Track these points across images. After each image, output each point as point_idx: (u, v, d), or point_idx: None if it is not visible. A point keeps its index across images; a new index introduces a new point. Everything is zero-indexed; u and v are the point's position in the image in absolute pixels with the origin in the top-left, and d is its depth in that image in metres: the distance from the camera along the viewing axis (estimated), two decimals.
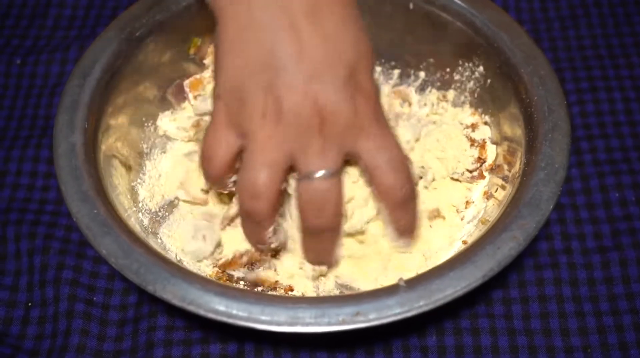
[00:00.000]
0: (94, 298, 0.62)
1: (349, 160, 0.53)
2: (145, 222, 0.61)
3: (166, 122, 0.66)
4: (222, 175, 0.53)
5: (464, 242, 0.60)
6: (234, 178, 0.54)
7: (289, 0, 0.48)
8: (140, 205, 0.62)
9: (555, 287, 0.62)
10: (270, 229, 0.54)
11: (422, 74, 0.70)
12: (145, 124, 0.66)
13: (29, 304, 0.62)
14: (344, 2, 0.50)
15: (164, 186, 0.65)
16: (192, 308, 0.49)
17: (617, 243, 0.64)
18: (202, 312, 0.48)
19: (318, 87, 0.48)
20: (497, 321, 0.61)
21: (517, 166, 0.59)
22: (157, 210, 0.63)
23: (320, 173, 0.49)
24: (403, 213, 0.54)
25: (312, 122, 0.48)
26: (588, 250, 0.64)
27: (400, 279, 0.50)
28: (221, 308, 0.49)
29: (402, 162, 0.52)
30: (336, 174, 0.50)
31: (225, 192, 0.58)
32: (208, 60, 0.67)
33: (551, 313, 0.61)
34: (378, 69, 0.71)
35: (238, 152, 0.52)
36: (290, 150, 0.49)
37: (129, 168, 0.63)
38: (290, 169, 0.51)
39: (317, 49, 0.48)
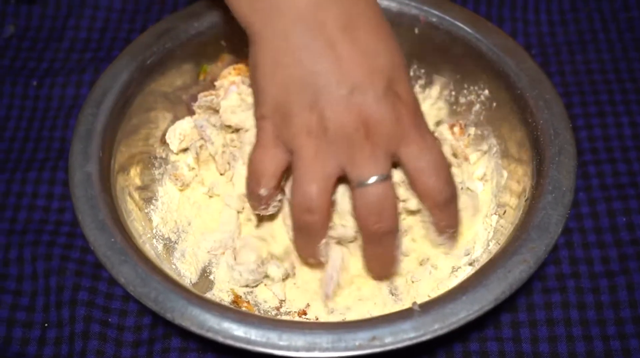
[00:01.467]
0: (109, 320, 0.63)
1: None
2: (160, 248, 0.62)
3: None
4: (272, 192, 0.56)
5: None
6: (279, 197, 0.56)
7: (323, 19, 0.51)
8: (154, 231, 0.63)
9: (563, 310, 0.63)
10: (323, 242, 0.56)
11: (431, 95, 0.71)
12: (157, 151, 0.67)
13: (46, 325, 0.63)
14: (375, 16, 0.53)
15: (176, 212, 0.66)
16: (210, 335, 0.50)
17: (625, 268, 0.65)
18: (220, 339, 0.49)
19: (360, 99, 0.51)
20: (505, 344, 0.62)
21: (525, 189, 0.60)
22: (170, 235, 0.64)
23: (373, 179, 0.52)
24: (444, 214, 0.56)
25: (358, 133, 0.51)
26: (596, 274, 0.65)
27: (415, 303, 0.51)
28: (239, 335, 0.49)
29: (443, 166, 0.54)
30: (388, 178, 0.53)
31: (268, 213, 0.59)
32: (219, 83, 0.68)
33: (559, 337, 0.62)
34: None
35: (286, 169, 0.54)
36: (339, 162, 0.52)
37: (142, 195, 0.64)
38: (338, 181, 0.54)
39: (355, 64, 0.51)
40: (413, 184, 0.55)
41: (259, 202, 0.57)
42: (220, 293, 0.62)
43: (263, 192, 0.56)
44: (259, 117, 0.55)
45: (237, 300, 0.61)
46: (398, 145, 0.52)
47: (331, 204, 0.55)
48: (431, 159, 0.53)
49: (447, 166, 0.55)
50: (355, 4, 0.53)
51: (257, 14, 0.53)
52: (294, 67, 0.52)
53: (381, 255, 0.56)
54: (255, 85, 0.55)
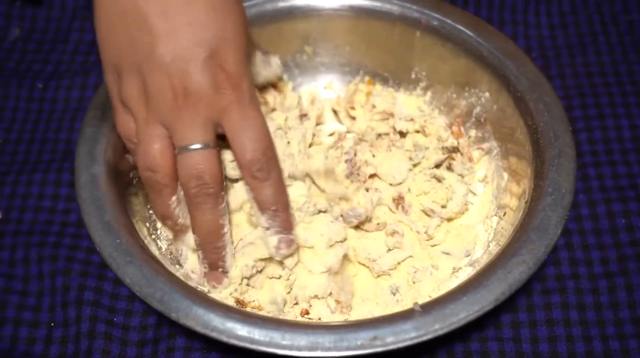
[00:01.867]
0: (115, 319, 0.64)
1: None
2: (164, 248, 0.63)
3: None
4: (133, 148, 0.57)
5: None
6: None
7: None
8: (158, 232, 0.64)
9: (563, 311, 0.64)
10: (173, 199, 0.56)
11: (427, 99, 0.72)
12: None
13: (52, 324, 0.64)
14: None
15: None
16: (214, 334, 0.50)
17: (624, 269, 0.65)
18: (224, 338, 0.50)
19: (180, 67, 0.52)
20: (506, 344, 0.62)
21: (525, 191, 0.61)
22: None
23: (193, 146, 0.53)
24: (261, 188, 0.56)
25: (176, 100, 0.53)
26: (595, 275, 0.66)
27: (416, 304, 0.52)
28: (243, 334, 0.50)
29: (260, 137, 0.55)
30: (209, 146, 0.54)
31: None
32: None
33: (559, 337, 0.62)
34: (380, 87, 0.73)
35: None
36: (165, 125, 0.54)
37: (146, 196, 0.65)
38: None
39: (180, 33, 0.52)
40: (234, 155, 0.55)
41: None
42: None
43: (130, 145, 0.57)
44: (105, 79, 0.57)
45: (242, 302, 0.62)
46: (219, 115, 0.54)
47: (175, 160, 0.55)
48: (249, 130, 0.54)
49: (266, 138, 0.55)
50: None
51: None
52: (123, 31, 0.53)
53: (203, 222, 0.56)
54: (98, 47, 0.56)
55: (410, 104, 0.72)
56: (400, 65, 0.72)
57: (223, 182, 0.55)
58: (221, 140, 0.55)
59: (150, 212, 0.64)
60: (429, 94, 0.71)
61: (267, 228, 0.57)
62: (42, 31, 0.84)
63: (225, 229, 0.57)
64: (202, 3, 0.53)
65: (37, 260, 0.67)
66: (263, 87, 0.66)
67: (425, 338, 0.50)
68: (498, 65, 0.65)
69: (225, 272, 0.59)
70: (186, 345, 0.62)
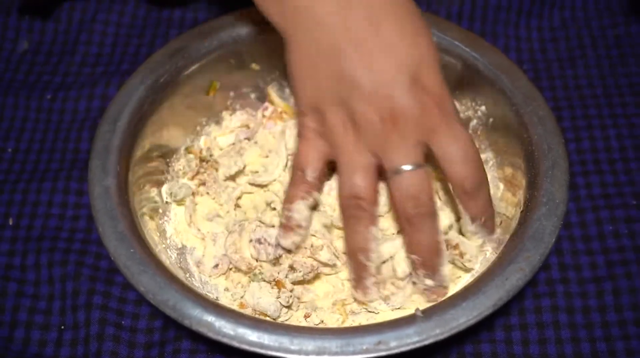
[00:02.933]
0: (123, 322, 0.66)
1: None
2: (174, 257, 0.65)
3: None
4: (315, 179, 0.60)
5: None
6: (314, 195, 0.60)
7: (347, 20, 0.55)
8: (168, 241, 0.66)
9: (553, 314, 0.66)
10: (373, 229, 0.59)
11: None
12: (169, 164, 0.70)
13: (62, 327, 0.66)
14: (398, 13, 0.56)
15: (186, 223, 0.69)
16: (226, 340, 0.53)
17: (611, 274, 0.68)
18: (235, 344, 0.53)
19: (385, 93, 0.55)
20: (498, 346, 0.65)
21: (520, 201, 0.63)
22: (184, 244, 0.67)
23: (405, 167, 0.56)
24: (474, 202, 0.59)
25: (385, 126, 0.55)
26: (584, 279, 0.68)
27: (417, 309, 0.55)
28: (254, 340, 0.53)
29: (471, 154, 0.57)
30: (421, 166, 0.56)
31: (301, 213, 0.61)
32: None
33: (549, 339, 0.65)
34: None
35: (329, 161, 0.59)
36: (374, 152, 0.56)
37: (156, 207, 0.67)
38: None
39: (379, 60, 0.55)
40: (444, 172, 0.58)
41: (299, 191, 0.60)
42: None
43: (309, 176, 0.60)
44: (299, 114, 0.60)
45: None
46: (427, 135, 0.56)
47: (378, 193, 0.58)
48: (459, 147, 0.56)
49: (476, 154, 0.57)
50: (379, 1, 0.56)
51: (285, 19, 0.58)
52: (324, 67, 0.56)
53: (423, 241, 0.58)
54: (292, 85, 0.59)
55: None
56: None
57: (434, 199, 0.58)
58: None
59: (161, 221, 0.66)
60: None
61: (475, 233, 0.61)
62: (50, 43, 0.86)
63: (442, 245, 0.59)
64: (392, 28, 0.55)
65: (48, 265, 0.69)
66: None
67: (427, 342, 0.53)
68: (494, 79, 0.67)
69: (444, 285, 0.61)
70: (192, 348, 0.65)
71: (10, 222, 0.72)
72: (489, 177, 0.68)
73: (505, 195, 0.67)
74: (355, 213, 0.58)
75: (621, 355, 0.64)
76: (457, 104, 0.71)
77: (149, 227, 0.63)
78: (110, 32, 0.86)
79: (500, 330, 0.66)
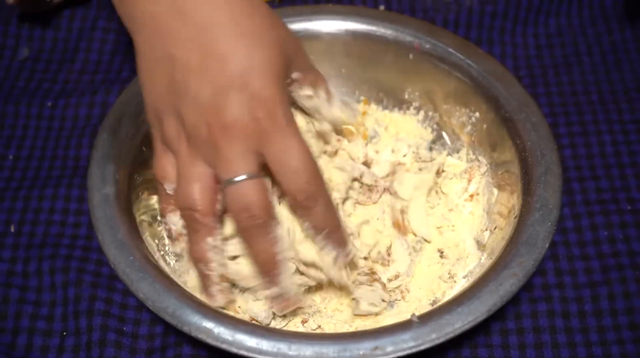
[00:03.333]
0: (124, 328, 0.66)
1: None
2: (172, 263, 0.66)
3: None
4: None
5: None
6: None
7: (179, 27, 0.54)
8: (166, 248, 0.67)
9: (549, 319, 0.67)
10: (209, 240, 0.58)
11: (420, 118, 0.75)
12: None
13: (64, 333, 0.67)
14: (234, 20, 0.54)
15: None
16: (225, 346, 0.54)
17: (606, 279, 0.69)
18: (234, 350, 0.54)
19: (214, 102, 0.53)
20: (495, 350, 0.65)
21: (514, 206, 0.64)
22: (180, 253, 0.67)
23: (238, 178, 0.54)
24: (311, 215, 0.57)
25: (214, 136, 0.54)
26: (579, 284, 0.69)
27: (413, 315, 0.55)
28: (252, 345, 0.54)
29: (303, 165, 0.55)
30: (254, 176, 0.55)
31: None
32: None
33: (545, 343, 0.66)
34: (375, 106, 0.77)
35: None
36: (207, 162, 0.55)
37: (154, 214, 0.68)
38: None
39: (210, 69, 0.54)
40: (277, 183, 0.56)
41: (166, 203, 0.61)
42: None
43: (170, 188, 0.59)
44: (149, 123, 0.59)
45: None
46: (260, 145, 0.54)
47: (215, 202, 0.57)
48: (291, 158, 0.54)
49: (309, 165, 0.55)
50: (216, 7, 0.55)
51: (133, 23, 0.57)
52: (160, 75, 0.55)
53: (259, 252, 0.57)
54: (142, 92, 0.59)
55: (404, 124, 0.76)
56: (394, 86, 0.75)
57: (272, 210, 0.56)
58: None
59: (159, 228, 0.67)
60: (421, 113, 0.75)
61: (322, 248, 0.59)
62: (50, 51, 0.86)
63: (279, 256, 0.58)
64: (228, 34, 0.54)
65: (50, 272, 0.69)
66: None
67: (423, 347, 0.54)
68: (488, 86, 0.68)
69: (285, 296, 0.60)
70: (192, 353, 0.65)
71: (12, 229, 0.73)
72: (483, 182, 0.69)
73: (499, 201, 0.67)
74: (191, 225, 0.58)
75: None
76: (452, 110, 0.72)
77: (148, 234, 0.64)
78: (110, 40, 0.87)
79: (497, 335, 0.66)
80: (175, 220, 0.61)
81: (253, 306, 0.63)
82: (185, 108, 0.54)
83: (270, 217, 0.56)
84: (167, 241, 0.67)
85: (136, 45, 0.57)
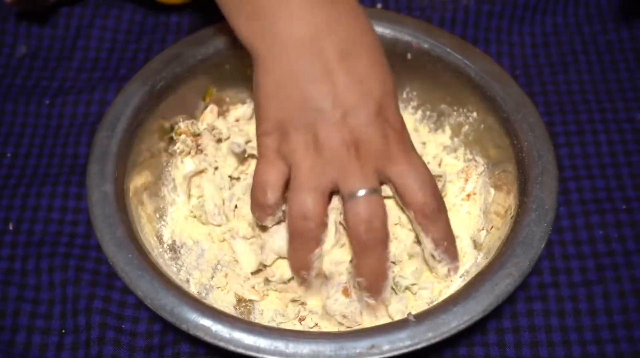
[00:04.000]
0: (123, 326, 0.67)
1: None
2: (171, 262, 0.66)
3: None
4: (276, 201, 0.60)
5: None
6: (283, 207, 0.61)
7: (321, 46, 0.57)
8: (165, 245, 0.67)
9: (544, 317, 0.68)
10: (317, 251, 0.60)
11: (418, 117, 0.76)
12: (166, 170, 0.71)
13: (63, 331, 0.67)
14: (371, 44, 0.59)
15: (183, 228, 0.70)
16: (222, 344, 0.54)
17: (601, 277, 0.69)
18: (232, 348, 0.54)
19: (351, 122, 0.57)
20: (491, 349, 0.66)
21: (510, 206, 0.64)
22: (179, 250, 0.68)
23: (362, 192, 0.57)
24: (433, 226, 0.60)
25: (349, 153, 0.57)
26: (574, 283, 0.69)
27: (410, 314, 0.56)
28: (250, 343, 0.54)
29: (427, 181, 0.59)
30: (377, 192, 0.58)
31: (271, 225, 0.63)
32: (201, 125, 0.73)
33: (540, 342, 0.66)
34: None
35: (287, 180, 0.59)
36: (332, 177, 0.57)
37: (153, 212, 0.68)
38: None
39: (349, 90, 0.57)
40: (401, 199, 0.60)
41: (265, 213, 0.62)
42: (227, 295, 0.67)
43: (270, 200, 0.60)
44: (260, 134, 0.60)
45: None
46: (386, 164, 0.58)
47: (326, 216, 0.59)
48: (416, 175, 0.59)
49: (433, 182, 0.60)
50: (353, 32, 0.59)
51: (260, 39, 0.59)
52: (294, 90, 0.57)
53: (372, 266, 0.60)
54: (257, 103, 0.60)
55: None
56: None
57: (388, 226, 0.59)
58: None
59: (158, 226, 0.67)
60: (419, 112, 0.75)
61: (439, 261, 0.63)
62: (47, 49, 0.87)
63: (389, 272, 0.61)
64: (363, 62, 0.58)
65: (48, 270, 0.70)
66: None
67: (419, 346, 0.54)
68: (485, 86, 0.69)
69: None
70: (191, 351, 0.66)
71: (11, 227, 0.73)
72: (480, 182, 0.70)
73: (496, 201, 0.68)
74: (301, 233, 0.59)
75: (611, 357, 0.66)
76: (450, 110, 0.73)
77: (146, 231, 0.64)
78: (108, 38, 0.87)
79: (493, 333, 0.67)
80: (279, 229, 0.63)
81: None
82: (322, 124, 0.57)
83: (387, 233, 0.59)
84: (165, 238, 0.68)
85: (262, 60, 0.59)
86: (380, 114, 0.58)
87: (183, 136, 0.71)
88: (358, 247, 0.59)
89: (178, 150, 0.71)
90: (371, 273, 0.60)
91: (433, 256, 0.62)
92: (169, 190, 0.71)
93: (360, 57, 0.58)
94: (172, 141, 0.71)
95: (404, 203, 0.60)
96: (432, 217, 0.60)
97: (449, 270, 0.64)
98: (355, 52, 0.58)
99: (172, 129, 0.71)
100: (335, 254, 0.62)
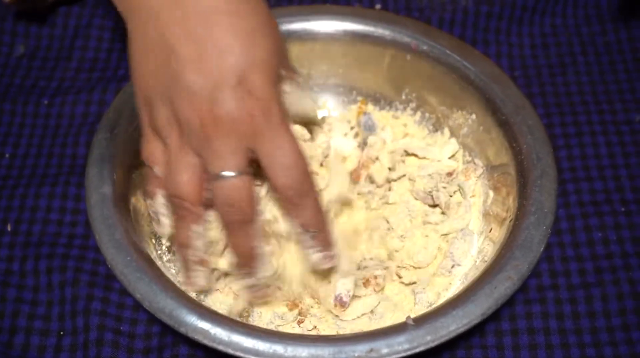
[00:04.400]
0: (121, 328, 0.67)
1: None
2: (170, 265, 0.67)
3: None
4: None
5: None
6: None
7: (183, 16, 0.54)
8: (163, 248, 0.67)
9: (543, 320, 0.68)
10: (195, 228, 0.58)
11: (417, 119, 0.76)
12: None
13: (61, 333, 0.67)
14: (236, 9, 0.54)
15: None
16: (221, 347, 0.54)
17: (600, 280, 0.69)
18: (230, 351, 0.54)
19: (208, 95, 0.53)
20: (489, 351, 0.66)
21: (509, 209, 0.64)
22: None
23: (227, 173, 0.54)
24: (300, 211, 0.57)
25: (205, 129, 0.53)
26: (573, 286, 0.69)
27: (408, 317, 0.56)
28: (248, 347, 0.54)
29: (294, 162, 0.55)
30: (242, 174, 0.55)
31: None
32: None
33: (539, 344, 0.66)
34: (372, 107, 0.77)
35: None
36: (198, 154, 0.55)
37: (151, 213, 0.68)
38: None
39: (208, 60, 0.53)
40: (268, 181, 0.57)
41: (152, 185, 0.60)
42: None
43: (158, 173, 0.59)
44: (137, 109, 0.59)
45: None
46: (251, 142, 0.54)
47: (202, 190, 0.57)
48: (282, 155, 0.55)
49: (300, 162, 0.55)
50: (217, 0, 0.54)
51: (127, 8, 0.57)
52: (154, 61, 0.55)
53: (240, 246, 0.58)
54: (130, 76, 0.58)
55: (401, 123, 0.76)
56: (392, 87, 0.75)
57: (256, 206, 0.57)
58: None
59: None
60: (418, 113, 0.75)
61: (309, 248, 0.60)
62: (46, 49, 0.86)
63: (258, 250, 0.59)
64: (227, 28, 0.54)
65: (47, 272, 0.70)
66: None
67: (418, 350, 0.54)
68: (484, 88, 0.69)
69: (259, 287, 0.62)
70: (189, 353, 0.66)
71: (9, 228, 0.73)
72: (479, 185, 0.70)
73: (495, 204, 0.68)
74: (179, 212, 0.58)
75: None
76: (449, 112, 0.73)
77: (145, 233, 0.64)
78: (106, 38, 0.87)
79: (491, 336, 0.67)
80: (161, 203, 0.61)
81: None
82: (179, 98, 0.54)
83: (254, 213, 0.57)
84: (163, 240, 0.67)
85: (130, 30, 0.57)
86: (241, 86, 0.53)
87: None
88: (226, 228, 0.58)
89: None
90: (241, 253, 0.59)
91: (304, 243, 0.60)
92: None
93: (224, 23, 0.54)
94: None
95: (270, 186, 0.58)
96: (297, 201, 0.56)
97: (322, 258, 0.60)
98: (219, 18, 0.54)
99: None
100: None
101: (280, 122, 0.55)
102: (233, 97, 0.53)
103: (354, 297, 0.65)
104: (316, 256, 0.60)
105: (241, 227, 0.57)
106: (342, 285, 0.64)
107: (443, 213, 0.70)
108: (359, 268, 0.66)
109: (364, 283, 0.65)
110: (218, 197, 0.56)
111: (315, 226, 0.59)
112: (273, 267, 0.61)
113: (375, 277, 0.65)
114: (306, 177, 0.56)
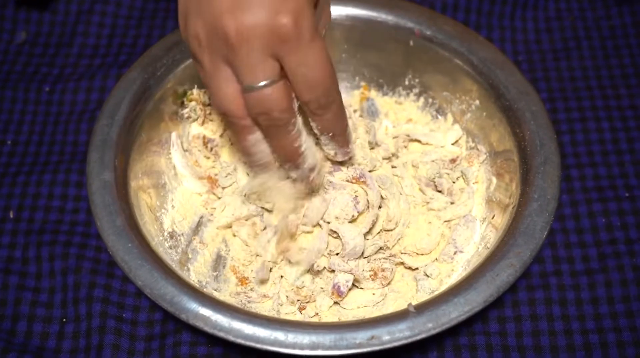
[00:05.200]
0: (124, 315, 0.67)
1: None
2: (172, 251, 0.66)
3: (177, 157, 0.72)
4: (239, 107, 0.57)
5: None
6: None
7: None
8: (165, 233, 0.67)
9: (546, 306, 0.68)
10: (250, 138, 0.58)
11: (420, 104, 0.75)
12: (166, 157, 0.71)
13: (64, 320, 0.67)
14: None
15: (183, 214, 0.70)
16: (222, 334, 0.54)
17: (603, 266, 0.69)
18: (231, 338, 0.54)
19: (240, 8, 0.51)
20: (492, 338, 0.66)
21: (512, 196, 0.64)
22: (180, 237, 0.68)
23: (260, 83, 0.53)
24: (319, 120, 0.58)
25: (238, 42, 0.52)
26: (576, 272, 0.69)
27: (410, 305, 0.56)
28: (249, 334, 0.54)
29: (321, 80, 0.54)
30: (275, 81, 0.53)
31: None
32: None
33: (542, 331, 0.66)
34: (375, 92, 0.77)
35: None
36: (231, 68, 0.54)
37: (154, 199, 0.68)
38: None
39: None
40: (293, 90, 0.55)
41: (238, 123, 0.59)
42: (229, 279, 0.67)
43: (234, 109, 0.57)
44: (183, 37, 0.57)
45: (242, 281, 0.66)
46: (282, 52, 0.52)
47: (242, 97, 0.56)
48: (309, 72, 0.53)
49: (324, 74, 0.54)
50: None
51: None
52: None
53: (280, 146, 0.58)
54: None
55: (404, 109, 0.76)
56: (395, 72, 0.75)
57: (293, 109, 0.56)
58: None
59: (158, 214, 0.67)
60: (421, 99, 0.75)
61: (326, 145, 0.61)
62: (47, 35, 0.86)
63: (303, 148, 0.59)
64: None
65: (49, 259, 0.70)
66: None
67: (419, 337, 0.54)
68: (487, 74, 0.68)
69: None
70: (192, 340, 0.66)
71: (11, 215, 0.73)
72: (482, 171, 0.69)
73: (497, 190, 0.68)
74: (231, 127, 0.58)
75: (612, 347, 0.66)
76: (452, 97, 0.72)
77: (146, 220, 0.64)
78: (108, 24, 0.86)
79: (494, 322, 0.67)
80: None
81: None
82: (212, 13, 0.52)
83: (291, 116, 0.56)
84: (165, 226, 0.67)
85: None
86: None
87: (193, 103, 0.71)
88: (265, 133, 0.57)
89: (186, 115, 0.71)
90: (282, 152, 0.59)
91: (321, 140, 0.61)
92: (170, 177, 0.70)
93: None
94: (182, 105, 0.71)
95: (295, 95, 0.56)
96: (318, 112, 0.57)
97: (335, 154, 0.62)
98: None
99: (184, 93, 0.71)
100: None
101: (310, 36, 0.53)
102: (265, 11, 0.51)
103: (359, 288, 0.65)
104: (332, 152, 0.62)
105: (279, 131, 0.56)
106: (342, 275, 0.64)
107: (452, 202, 0.70)
108: (364, 257, 0.66)
109: (371, 276, 0.65)
110: (252, 107, 0.55)
111: (333, 131, 0.60)
112: (316, 157, 0.61)
113: (383, 270, 0.65)
114: (331, 91, 0.56)
